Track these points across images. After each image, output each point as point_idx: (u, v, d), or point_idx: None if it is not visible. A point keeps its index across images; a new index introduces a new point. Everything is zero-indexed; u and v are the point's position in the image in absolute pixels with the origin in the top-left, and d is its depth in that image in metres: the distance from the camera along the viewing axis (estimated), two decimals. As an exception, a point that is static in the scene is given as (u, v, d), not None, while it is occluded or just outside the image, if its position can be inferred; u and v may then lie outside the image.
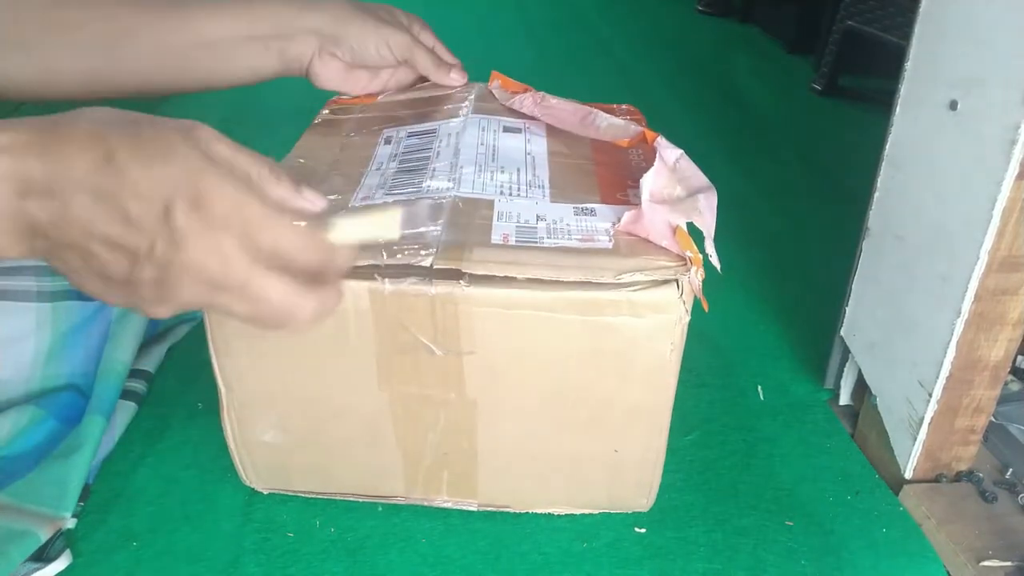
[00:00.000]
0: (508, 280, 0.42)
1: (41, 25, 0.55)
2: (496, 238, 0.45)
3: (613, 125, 0.57)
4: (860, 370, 0.62)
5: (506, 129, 0.58)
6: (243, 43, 0.58)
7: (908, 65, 0.53)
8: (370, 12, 0.61)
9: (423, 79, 0.66)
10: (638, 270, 0.42)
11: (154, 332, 0.67)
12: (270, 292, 0.33)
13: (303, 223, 0.33)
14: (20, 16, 0.54)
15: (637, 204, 0.45)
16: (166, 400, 0.63)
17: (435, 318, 0.44)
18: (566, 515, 0.54)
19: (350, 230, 0.36)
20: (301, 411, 0.49)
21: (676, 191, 0.47)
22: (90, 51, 0.55)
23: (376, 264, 0.43)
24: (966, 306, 0.49)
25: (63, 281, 0.55)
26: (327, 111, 0.63)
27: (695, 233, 0.44)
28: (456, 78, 0.64)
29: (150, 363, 0.64)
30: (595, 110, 0.59)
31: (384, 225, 0.36)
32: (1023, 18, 0.44)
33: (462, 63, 0.66)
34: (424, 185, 0.50)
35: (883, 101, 0.58)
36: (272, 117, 0.63)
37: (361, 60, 0.61)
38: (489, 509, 0.53)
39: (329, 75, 0.61)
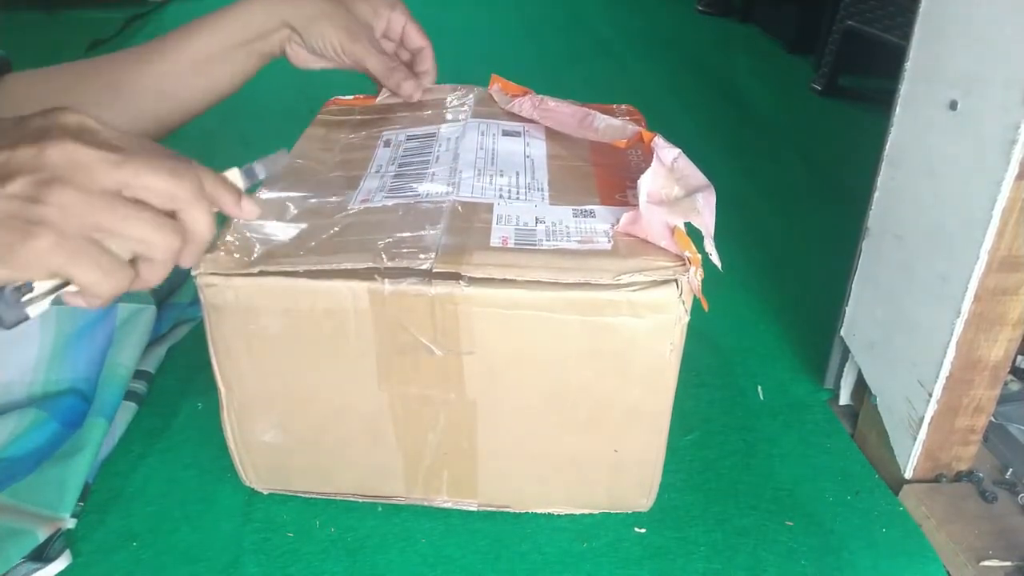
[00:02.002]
0: (508, 280, 0.42)
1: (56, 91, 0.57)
2: (495, 241, 0.45)
3: (611, 126, 0.57)
4: (860, 370, 0.61)
5: (505, 133, 0.58)
6: (230, 52, 0.60)
7: (908, 65, 0.53)
8: (339, 10, 0.60)
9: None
10: (637, 270, 0.42)
11: (157, 335, 0.67)
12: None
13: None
14: (48, 87, 0.57)
15: (636, 205, 0.45)
16: (166, 400, 0.63)
17: (435, 318, 0.44)
18: (566, 515, 0.54)
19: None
20: (301, 411, 0.49)
21: (674, 191, 0.47)
22: (95, 105, 0.56)
23: (376, 265, 0.43)
24: (966, 306, 0.49)
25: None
26: (326, 112, 0.63)
27: (695, 233, 0.44)
28: (407, 89, 0.62)
29: (150, 364, 0.64)
30: (593, 111, 0.59)
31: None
32: (1023, 18, 0.44)
33: (434, 68, 0.65)
34: (423, 189, 0.50)
35: (883, 101, 0.58)
36: (271, 118, 0.64)
37: (323, 56, 0.62)
38: (489, 509, 0.53)
39: (301, 61, 0.63)
